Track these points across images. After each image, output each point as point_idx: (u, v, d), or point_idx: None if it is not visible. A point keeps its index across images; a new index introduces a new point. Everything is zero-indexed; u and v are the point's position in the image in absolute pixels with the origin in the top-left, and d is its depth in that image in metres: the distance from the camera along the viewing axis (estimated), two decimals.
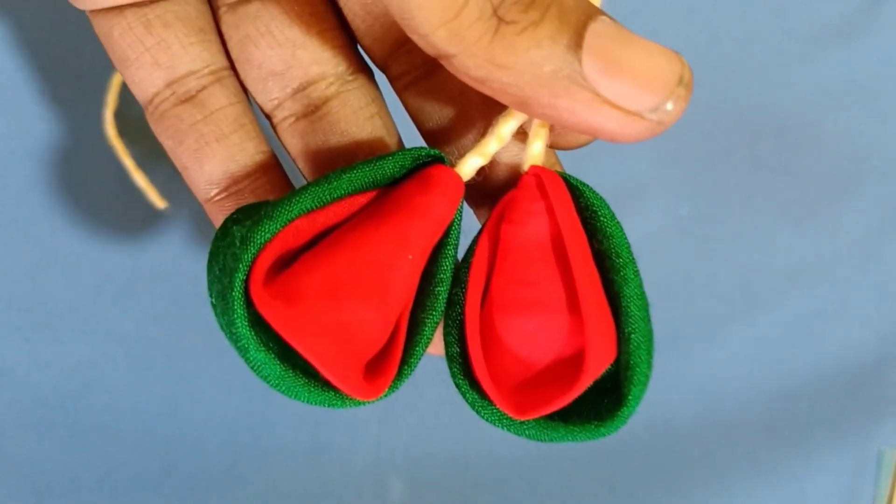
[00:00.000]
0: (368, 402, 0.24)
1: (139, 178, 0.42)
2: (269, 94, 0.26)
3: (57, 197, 0.42)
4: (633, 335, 0.24)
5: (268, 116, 0.27)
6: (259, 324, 0.23)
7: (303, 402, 0.23)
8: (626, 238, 0.24)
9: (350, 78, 0.26)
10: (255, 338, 0.22)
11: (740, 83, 0.44)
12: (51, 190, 0.42)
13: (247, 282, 0.22)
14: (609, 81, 0.21)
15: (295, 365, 0.23)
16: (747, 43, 0.44)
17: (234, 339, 0.23)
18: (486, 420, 0.25)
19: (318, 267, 0.23)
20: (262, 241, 0.22)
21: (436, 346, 0.26)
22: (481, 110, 0.26)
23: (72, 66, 0.42)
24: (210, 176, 0.26)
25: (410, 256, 0.24)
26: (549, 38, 0.21)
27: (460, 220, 0.25)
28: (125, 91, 0.41)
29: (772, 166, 0.44)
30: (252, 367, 0.23)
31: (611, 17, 0.22)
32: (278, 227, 0.23)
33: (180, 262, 0.43)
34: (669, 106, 0.21)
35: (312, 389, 0.23)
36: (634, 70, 0.21)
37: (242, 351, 0.23)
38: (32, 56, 0.42)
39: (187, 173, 0.26)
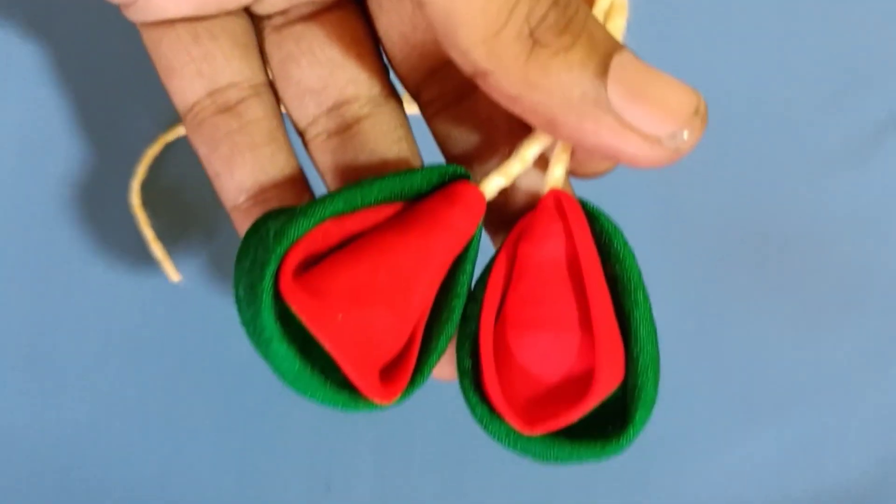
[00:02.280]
0: (381, 408, 0.22)
1: (157, 250, 0.40)
2: (304, 109, 0.26)
3: (73, 261, 0.41)
4: (640, 357, 0.22)
5: (301, 133, 0.26)
6: (282, 320, 0.21)
7: (317, 401, 0.22)
8: (637, 264, 0.23)
9: (382, 101, 0.26)
10: (279, 330, 0.21)
11: (747, 201, 0.43)
12: (68, 254, 0.41)
13: (276, 275, 0.21)
14: (631, 107, 0.20)
15: (312, 365, 0.22)
16: (755, 162, 0.43)
17: (258, 331, 0.21)
18: (493, 436, 0.23)
19: (345, 268, 0.22)
20: (295, 236, 0.21)
21: (446, 371, 0.24)
22: (506, 137, 0.25)
23: (103, 134, 0.41)
24: (240, 183, 0.25)
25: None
26: (579, 64, 0.20)
27: (479, 238, 0.24)
28: (154, 163, 0.40)
29: (777, 284, 0.43)
30: (271, 361, 0.21)
31: (633, 53, 0.21)
32: (311, 224, 0.21)
33: (188, 334, 0.41)
34: (685, 135, 0.21)
35: (328, 389, 0.22)
36: (654, 98, 0.21)
37: (265, 344, 0.21)
38: (72, 122, 0.41)
39: (218, 180, 0.25)
